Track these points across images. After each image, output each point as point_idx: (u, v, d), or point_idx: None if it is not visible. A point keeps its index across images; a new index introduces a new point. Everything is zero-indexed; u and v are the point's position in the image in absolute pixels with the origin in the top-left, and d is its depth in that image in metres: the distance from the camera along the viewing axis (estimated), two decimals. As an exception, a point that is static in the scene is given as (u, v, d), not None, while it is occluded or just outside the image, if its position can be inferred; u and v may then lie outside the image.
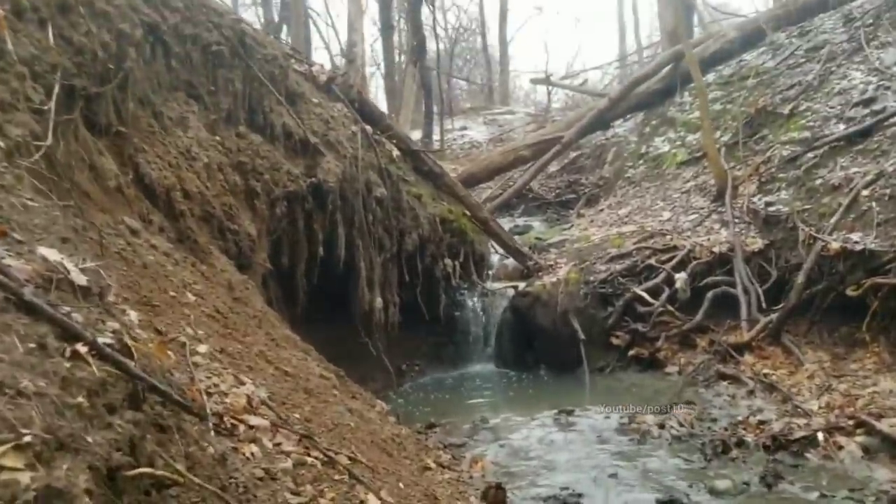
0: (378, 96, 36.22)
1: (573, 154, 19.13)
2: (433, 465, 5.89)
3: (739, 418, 6.62)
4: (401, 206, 8.95)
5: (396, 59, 30.68)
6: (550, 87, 27.07)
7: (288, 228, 7.72)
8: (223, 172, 6.65)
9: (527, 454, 6.47)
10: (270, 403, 4.32)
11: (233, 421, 3.82)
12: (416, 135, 26.08)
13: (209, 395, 3.87)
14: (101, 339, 2.61)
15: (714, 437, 6.27)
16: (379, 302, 8.60)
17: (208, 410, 3.66)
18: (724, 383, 7.83)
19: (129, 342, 2.81)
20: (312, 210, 7.78)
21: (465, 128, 27.50)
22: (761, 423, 6.44)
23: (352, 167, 8.08)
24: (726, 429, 6.50)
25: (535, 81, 28.71)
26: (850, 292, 7.52)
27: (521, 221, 15.22)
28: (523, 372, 9.87)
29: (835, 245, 7.65)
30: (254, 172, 7.11)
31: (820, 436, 5.88)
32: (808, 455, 5.81)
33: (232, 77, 7.05)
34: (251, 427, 3.89)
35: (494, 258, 11.78)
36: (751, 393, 7.38)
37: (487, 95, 34.78)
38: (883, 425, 5.74)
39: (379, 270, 8.78)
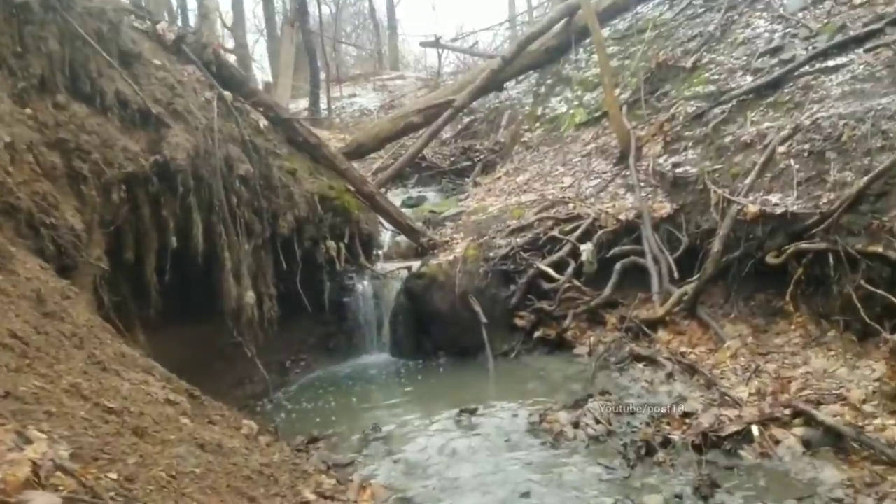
0: (264, 65, 34.46)
1: (467, 119, 18.25)
2: (312, 498, 4.89)
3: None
4: (272, 184, 7.79)
5: (279, 23, 28.99)
6: (441, 51, 26.02)
7: (130, 217, 6.50)
8: (35, 153, 5.37)
9: (425, 471, 5.55)
10: (71, 466, 3.21)
11: (-2, 509, 2.69)
12: (302, 103, 24.79)
13: (-37, 473, 2.74)
14: None
15: (636, 437, 5.50)
16: (250, 296, 7.46)
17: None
18: (640, 366, 7.13)
19: None
20: (160, 194, 6.56)
21: (354, 95, 26.30)
22: (686, 415, 5.71)
23: (207, 140, 6.88)
24: (648, 423, 5.75)
25: (424, 45, 27.62)
26: (770, 260, 6.89)
27: (414, 193, 14.25)
28: (421, 361, 8.94)
29: (753, 208, 6.99)
30: (79, 151, 5.84)
31: (754, 430, 5.19)
32: (742, 452, 5.12)
33: (44, 35, 5.74)
34: (31, 512, 2.77)
35: (386, 236, 10.77)
36: (669, 377, 6.68)
37: (377, 61, 33.49)
38: (823, 415, 5.08)
39: (249, 259, 7.62)
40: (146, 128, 6.55)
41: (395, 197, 13.92)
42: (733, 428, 5.24)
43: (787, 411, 5.29)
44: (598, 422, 5.88)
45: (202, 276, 7.47)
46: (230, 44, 27.60)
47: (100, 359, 4.62)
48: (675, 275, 7.95)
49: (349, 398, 7.82)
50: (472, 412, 6.52)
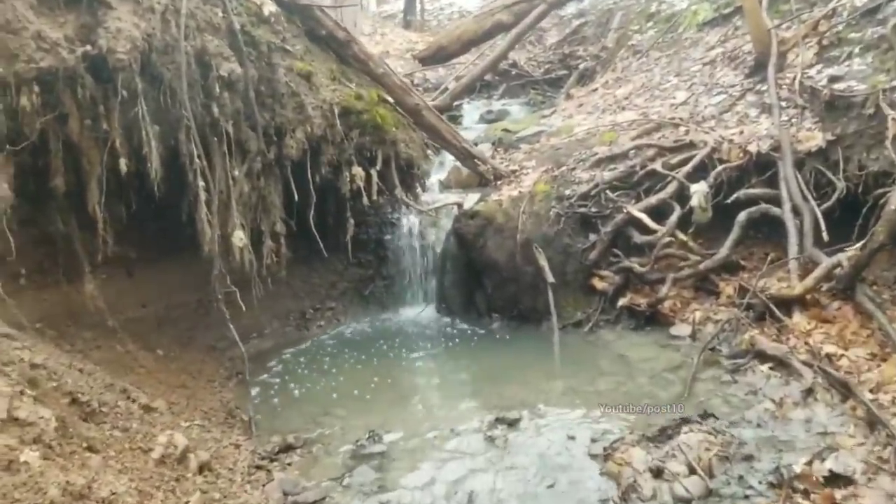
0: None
1: (576, 22, 15.77)
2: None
3: (795, 468, 3.71)
4: (275, 91, 5.85)
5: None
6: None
7: (57, 130, 4.76)
8: None
9: (417, 532, 3.69)
10: None
11: None
12: (398, 4, 22.69)
13: None
14: None
15: (753, 515, 3.43)
16: (239, 237, 5.64)
17: None
18: (764, 368, 4.94)
19: None
20: (97, 100, 4.75)
21: (453, -4, 23.84)
22: (836, 478, 3.57)
23: (169, 28, 4.96)
24: (774, 486, 3.65)
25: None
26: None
27: (497, 106, 12.06)
28: (471, 323, 7.07)
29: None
30: (-44, 35, 4.07)
31: (963, 536, 3.01)
32: (938, 573, 2.96)
33: None
34: None
35: (447, 160, 8.74)
36: (808, 394, 4.49)
37: (484, -44, 30.64)
38: None
39: (244, 188, 5.81)
40: (75, 7, 4.69)
41: (475, 110, 11.86)
42: (924, 527, 3.09)
43: None
44: (691, 470, 3.82)
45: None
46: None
47: None
48: (824, 234, 5.62)
49: (365, 372, 6.01)
50: (513, 424, 4.59)
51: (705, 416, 4.40)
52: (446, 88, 11.33)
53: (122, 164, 4.97)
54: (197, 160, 5.25)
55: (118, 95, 4.73)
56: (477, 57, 13.14)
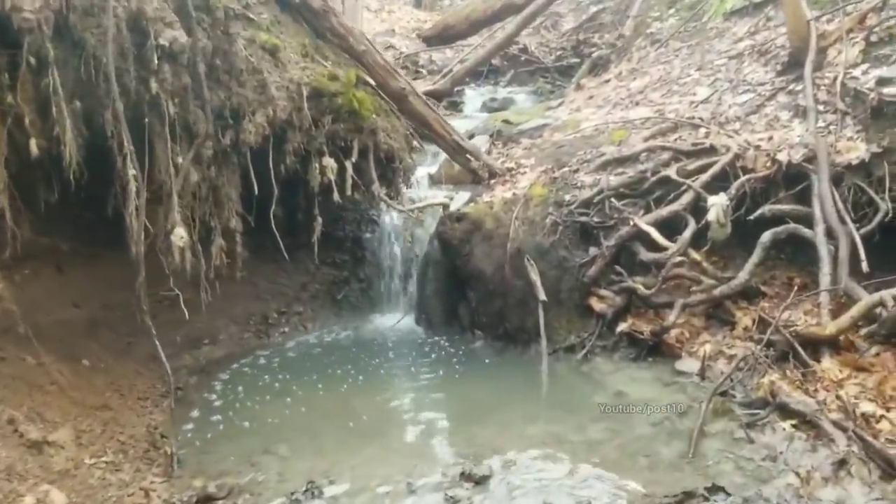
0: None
1: (593, 8, 14.91)
2: None
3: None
4: (233, 67, 5.07)
5: None
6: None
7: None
8: None
9: None
10: None
11: None
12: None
13: None
14: None
15: None
16: (179, 235, 4.85)
17: None
18: (786, 426, 4.12)
19: None
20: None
21: (466, -26, 22.93)
22: None
23: (93, -15, 4.18)
24: None
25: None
26: None
27: (503, 93, 11.26)
28: (452, 339, 6.32)
29: None
30: None
31: None
32: None
33: None
34: None
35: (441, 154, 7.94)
36: (841, 466, 3.67)
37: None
38: None
39: (191, 177, 5.03)
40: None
41: (478, 96, 11.06)
42: None
43: None
44: (695, 571, 3.02)
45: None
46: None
47: None
48: (864, 263, 4.79)
49: (322, 398, 5.25)
50: (481, 482, 3.79)
51: (714, 489, 3.59)
52: (450, 71, 10.54)
53: (33, 144, 4.19)
54: (126, 143, 4.46)
55: (25, 63, 3.96)
56: (484, 39, 12.30)
